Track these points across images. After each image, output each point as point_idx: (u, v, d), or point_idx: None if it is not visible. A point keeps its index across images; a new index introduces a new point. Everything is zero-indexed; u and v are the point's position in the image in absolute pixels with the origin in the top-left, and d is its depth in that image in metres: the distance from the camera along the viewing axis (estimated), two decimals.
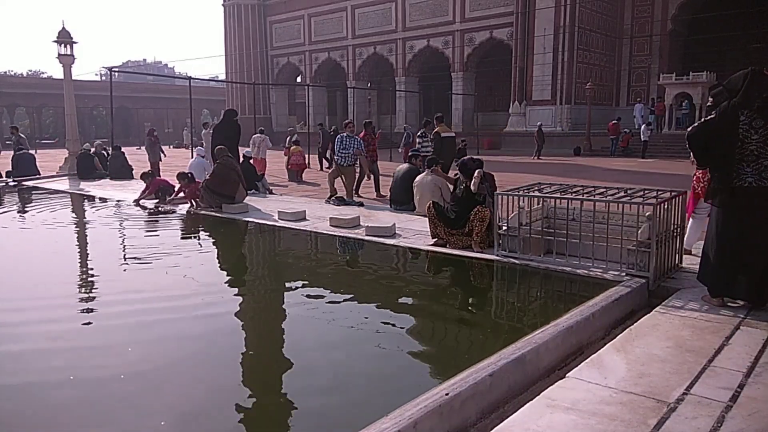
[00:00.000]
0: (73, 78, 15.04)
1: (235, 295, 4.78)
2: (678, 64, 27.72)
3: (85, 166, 13.35)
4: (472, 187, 5.42)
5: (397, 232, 6.23)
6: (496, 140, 28.03)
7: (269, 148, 14.97)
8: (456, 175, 5.75)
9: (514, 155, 22.16)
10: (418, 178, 7.73)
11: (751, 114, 3.49)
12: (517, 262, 4.88)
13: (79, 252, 6.57)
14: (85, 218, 8.86)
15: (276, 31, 39.67)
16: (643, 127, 22.63)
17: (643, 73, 28.98)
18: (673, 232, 4.50)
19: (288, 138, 17.13)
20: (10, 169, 13.80)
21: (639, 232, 4.32)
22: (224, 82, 40.28)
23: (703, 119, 3.82)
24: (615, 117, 25.11)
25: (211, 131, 11.08)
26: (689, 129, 3.87)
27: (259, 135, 14.91)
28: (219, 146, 9.02)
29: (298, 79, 40.43)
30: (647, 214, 4.28)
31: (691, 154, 3.97)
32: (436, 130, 10.09)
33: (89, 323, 3.99)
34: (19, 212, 9.30)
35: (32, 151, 16.15)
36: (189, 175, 8.98)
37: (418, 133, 11.79)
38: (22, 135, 15.36)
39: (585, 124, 24.52)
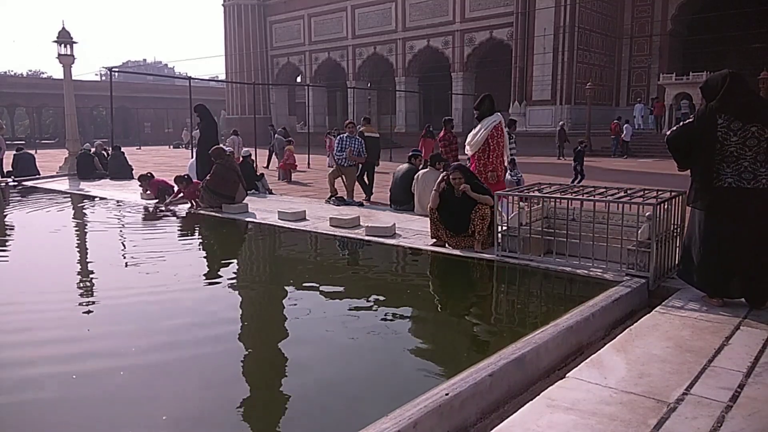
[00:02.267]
0: (73, 78, 15.04)
1: (234, 294, 4.78)
2: (678, 64, 27.72)
3: (85, 166, 13.35)
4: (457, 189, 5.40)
5: (397, 232, 6.22)
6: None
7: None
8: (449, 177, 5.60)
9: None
10: (417, 176, 7.73)
11: (728, 117, 3.52)
12: (517, 262, 4.88)
13: (78, 252, 6.57)
14: (85, 218, 8.86)
15: (276, 31, 39.66)
16: (626, 126, 22.58)
17: (643, 73, 28.99)
18: (673, 232, 4.50)
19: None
20: (11, 169, 13.80)
21: (639, 232, 4.32)
22: (224, 82, 40.28)
23: (681, 123, 3.87)
24: (615, 117, 25.11)
25: (198, 132, 10.96)
26: (668, 132, 3.91)
27: (234, 137, 15.24)
28: (217, 146, 9.05)
29: (298, 79, 40.43)
30: (647, 214, 4.28)
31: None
32: (360, 130, 10.87)
33: (90, 322, 4.00)
34: (19, 213, 9.30)
35: (32, 151, 16.13)
36: (186, 177, 8.99)
37: None
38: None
39: (585, 124, 24.50)
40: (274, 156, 17.28)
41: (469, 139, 6.30)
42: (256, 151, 14.08)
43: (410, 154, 8.66)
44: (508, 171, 10.68)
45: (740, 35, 26.15)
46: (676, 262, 4.59)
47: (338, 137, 10.22)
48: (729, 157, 3.53)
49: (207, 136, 10.45)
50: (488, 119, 6.15)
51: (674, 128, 3.89)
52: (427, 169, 7.56)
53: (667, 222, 4.41)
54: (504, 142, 6.35)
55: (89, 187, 11.75)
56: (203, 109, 10.80)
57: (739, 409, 2.37)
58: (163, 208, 8.70)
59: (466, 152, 6.41)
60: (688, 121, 3.79)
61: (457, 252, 5.36)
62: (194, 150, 13.82)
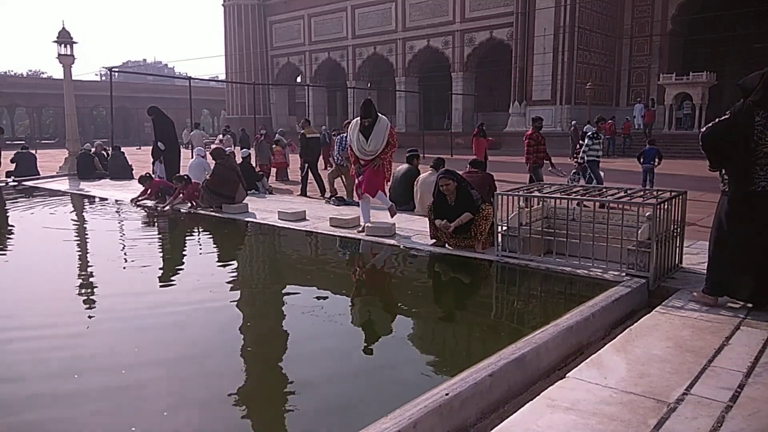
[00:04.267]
0: (73, 78, 15.03)
1: (234, 294, 4.78)
2: (678, 64, 27.72)
3: (85, 166, 13.35)
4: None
5: (397, 232, 6.23)
6: (496, 140, 28.00)
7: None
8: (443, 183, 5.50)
9: (515, 155, 22.12)
10: (420, 178, 7.75)
11: (766, 114, 3.41)
12: (517, 262, 4.88)
13: (79, 253, 6.57)
14: (84, 219, 8.86)
15: (276, 31, 39.65)
16: (586, 127, 22.55)
17: (643, 73, 28.98)
18: (673, 232, 4.50)
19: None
20: (12, 169, 13.77)
21: (639, 232, 4.32)
22: (224, 82, 40.27)
23: (717, 119, 3.68)
24: (617, 118, 25.07)
25: (154, 128, 10.95)
26: (703, 129, 3.75)
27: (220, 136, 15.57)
28: (217, 147, 9.08)
29: (298, 79, 40.41)
30: (647, 214, 4.28)
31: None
32: (302, 131, 11.43)
33: (92, 322, 4.00)
34: (19, 213, 9.29)
35: (32, 151, 16.09)
36: (185, 177, 9.00)
37: (589, 134, 10.34)
38: None
39: (585, 125, 24.47)
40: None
41: (371, 146, 6.19)
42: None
43: (408, 154, 8.65)
44: (579, 175, 9.88)
45: (740, 35, 26.14)
46: (677, 262, 4.60)
47: (338, 137, 10.23)
48: (762, 159, 3.42)
49: (168, 137, 10.50)
50: (381, 122, 6.21)
51: (709, 125, 3.71)
52: (429, 172, 7.56)
53: (667, 222, 4.41)
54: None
55: (89, 187, 11.74)
56: (156, 110, 10.67)
57: (739, 409, 2.37)
58: (167, 208, 8.69)
59: (363, 158, 6.31)
60: (723, 117, 3.61)
61: (457, 252, 5.36)
62: (192, 150, 13.90)
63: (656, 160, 10.90)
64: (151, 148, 10.71)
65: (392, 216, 6.51)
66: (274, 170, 14.42)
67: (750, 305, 3.63)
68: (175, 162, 10.58)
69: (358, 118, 6.32)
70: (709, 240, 3.83)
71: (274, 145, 14.89)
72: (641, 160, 11.14)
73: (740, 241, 3.59)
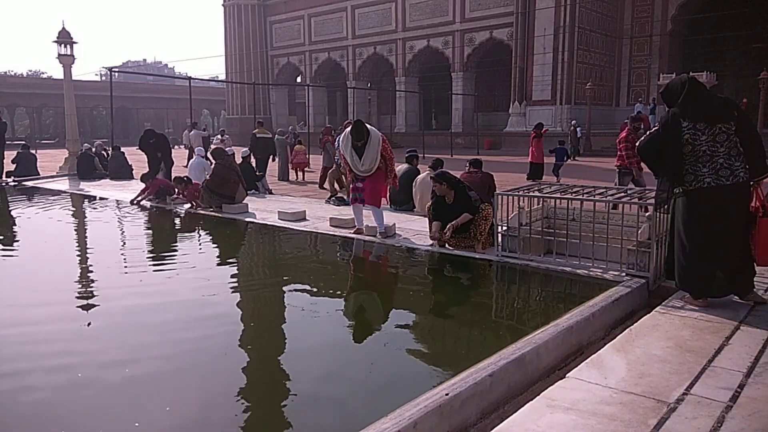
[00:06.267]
0: (73, 78, 15.04)
1: (234, 295, 4.78)
2: (678, 64, 27.68)
3: (85, 166, 13.35)
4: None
5: (396, 232, 6.23)
6: (496, 140, 28.04)
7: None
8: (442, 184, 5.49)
9: (514, 155, 22.13)
10: (419, 178, 7.75)
11: (692, 120, 3.55)
12: (517, 262, 4.88)
13: (79, 253, 6.57)
14: (84, 218, 8.86)
15: (276, 31, 39.64)
16: (578, 129, 22.56)
17: (643, 73, 28.96)
18: None
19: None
20: (12, 169, 13.76)
21: (639, 232, 4.32)
22: (224, 82, 40.25)
23: (649, 132, 3.88)
24: (617, 118, 25.04)
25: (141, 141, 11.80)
26: (638, 143, 3.94)
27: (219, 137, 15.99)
28: (217, 147, 9.10)
29: (298, 79, 40.40)
30: (647, 214, 4.29)
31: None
32: (254, 131, 12.45)
33: (93, 320, 4.00)
34: (19, 213, 9.29)
35: (32, 152, 16.08)
36: (185, 178, 9.01)
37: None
38: None
39: (585, 125, 24.49)
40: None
41: (365, 166, 6.06)
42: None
43: (408, 154, 8.65)
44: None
45: (740, 35, 26.12)
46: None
47: (338, 137, 10.22)
48: (703, 157, 3.54)
49: (166, 149, 11.58)
50: (372, 140, 6.03)
51: (643, 139, 3.91)
52: (427, 172, 7.56)
53: (667, 222, 4.41)
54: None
55: (89, 187, 11.75)
56: (153, 133, 11.78)
57: (739, 409, 2.37)
58: (164, 208, 8.70)
59: (359, 173, 6.17)
60: (654, 129, 3.82)
61: (456, 252, 5.36)
62: (191, 151, 14.01)
63: (565, 157, 12.79)
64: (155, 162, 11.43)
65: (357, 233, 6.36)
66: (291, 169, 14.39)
67: (739, 296, 3.68)
68: (169, 166, 11.45)
69: (349, 129, 6.15)
70: (674, 245, 3.85)
71: (297, 145, 14.91)
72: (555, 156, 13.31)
73: (702, 238, 3.63)
